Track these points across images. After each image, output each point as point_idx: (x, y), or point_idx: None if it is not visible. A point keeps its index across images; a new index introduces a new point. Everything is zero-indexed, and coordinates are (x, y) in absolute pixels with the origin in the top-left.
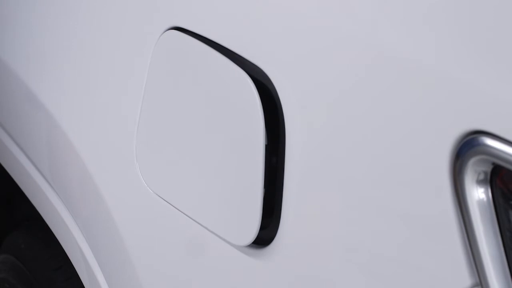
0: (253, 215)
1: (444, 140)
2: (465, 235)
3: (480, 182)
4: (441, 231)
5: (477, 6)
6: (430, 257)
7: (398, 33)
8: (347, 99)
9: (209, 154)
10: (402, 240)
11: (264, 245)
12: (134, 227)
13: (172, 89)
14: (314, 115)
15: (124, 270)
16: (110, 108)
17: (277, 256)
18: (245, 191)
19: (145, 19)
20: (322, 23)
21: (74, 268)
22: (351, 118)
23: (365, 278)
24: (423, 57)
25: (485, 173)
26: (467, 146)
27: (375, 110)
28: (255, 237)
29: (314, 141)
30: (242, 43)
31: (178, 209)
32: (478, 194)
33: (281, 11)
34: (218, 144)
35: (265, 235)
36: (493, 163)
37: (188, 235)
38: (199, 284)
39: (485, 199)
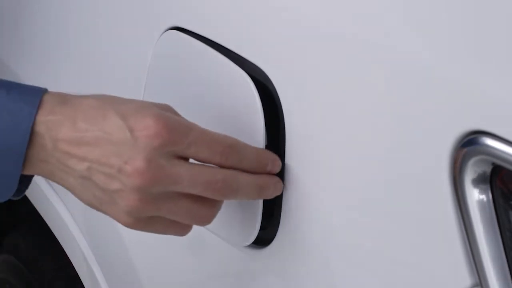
0: (254, 216)
1: (444, 140)
2: (465, 235)
3: (480, 182)
4: (441, 231)
5: (477, 6)
6: (430, 257)
7: (398, 33)
8: (347, 99)
9: None
10: (402, 240)
11: (264, 245)
12: None
13: (172, 89)
14: (314, 115)
15: (124, 269)
16: None
17: (277, 256)
18: None
19: (145, 19)
20: (322, 23)
21: (74, 268)
22: (351, 118)
23: (365, 278)
24: (423, 57)
25: (485, 173)
26: (467, 146)
27: (375, 110)
28: (255, 238)
29: (314, 141)
30: (242, 43)
31: None
32: (478, 194)
33: (281, 11)
34: None
35: (265, 236)
36: (493, 163)
37: (189, 235)
38: (199, 284)
39: (485, 199)
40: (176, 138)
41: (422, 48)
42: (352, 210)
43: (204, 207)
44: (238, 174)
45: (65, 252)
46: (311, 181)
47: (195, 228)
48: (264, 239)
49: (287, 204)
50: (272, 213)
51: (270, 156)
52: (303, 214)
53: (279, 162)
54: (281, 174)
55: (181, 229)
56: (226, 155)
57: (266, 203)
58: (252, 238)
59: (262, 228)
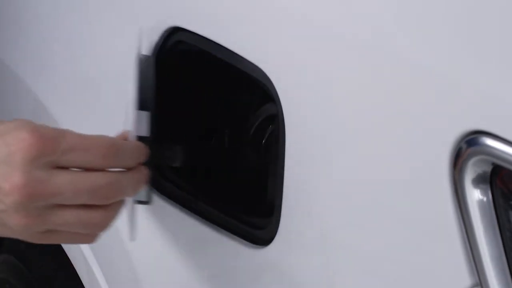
0: (129, 215)
1: (444, 140)
2: (465, 235)
3: (480, 182)
4: (441, 231)
5: (477, 5)
6: (430, 257)
7: (398, 33)
8: (347, 99)
9: None
10: (402, 240)
11: (264, 245)
12: None
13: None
14: (314, 115)
15: (124, 269)
16: (111, 108)
17: (277, 256)
18: None
19: (145, 19)
20: (323, 24)
21: (74, 268)
22: (351, 118)
23: (365, 278)
24: (423, 57)
25: (485, 173)
26: (467, 146)
27: (375, 110)
28: (136, 236)
29: (314, 141)
30: (242, 43)
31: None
32: (478, 194)
33: (282, 11)
34: None
35: (265, 236)
36: (493, 163)
37: (189, 234)
38: (199, 284)
39: (485, 199)
40: (50, 146)
41: (422, 48)
42: (352, 210)
43: (96, 213)
44: (120, 174)
45: (65, 252)
46: (311, 180)
47: (195, 228)
48: (264, 239)
49: (287, 204)
50: (272, 213)
51: (143, 148)
52: (303, 214)
53: (147, 151)
54: (281, 174)
55: (84, 238)
56: (109, 157)
57: (266, 203)
58: (133, 236)
59: (262, 228)
